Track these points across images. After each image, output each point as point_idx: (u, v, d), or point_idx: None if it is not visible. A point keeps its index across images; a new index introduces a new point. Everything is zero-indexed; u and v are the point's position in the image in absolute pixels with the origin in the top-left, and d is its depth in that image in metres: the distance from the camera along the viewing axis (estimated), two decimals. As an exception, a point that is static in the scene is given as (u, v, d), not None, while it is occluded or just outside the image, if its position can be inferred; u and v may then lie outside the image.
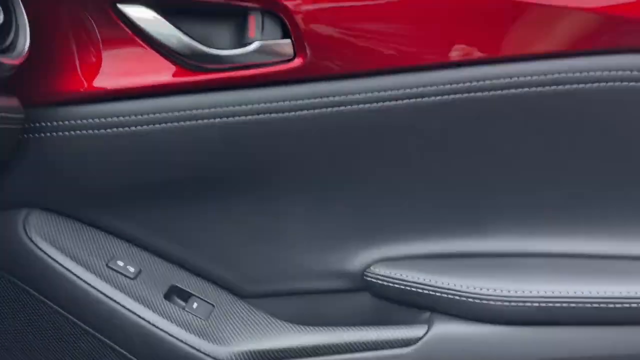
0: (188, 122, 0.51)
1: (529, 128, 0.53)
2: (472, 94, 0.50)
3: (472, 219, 0.57)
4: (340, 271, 0.58)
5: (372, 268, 0.57)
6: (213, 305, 0.57)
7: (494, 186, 0.55)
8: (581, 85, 0.50)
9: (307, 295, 0.60)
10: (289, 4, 0.49)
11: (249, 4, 0.50)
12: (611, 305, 0.51)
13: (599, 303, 0.51)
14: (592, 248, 0.56)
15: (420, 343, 0.53)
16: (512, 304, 0.52)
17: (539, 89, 0.50)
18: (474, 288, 0.53)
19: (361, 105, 0.51)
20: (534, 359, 0.52)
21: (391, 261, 0.57)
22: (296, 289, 0.59)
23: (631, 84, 0.50)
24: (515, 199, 0.56)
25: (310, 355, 0.54)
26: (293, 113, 0.51)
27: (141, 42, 0.50)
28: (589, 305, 0.51)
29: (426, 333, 0.53)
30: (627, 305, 0.51)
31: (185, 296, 0.57)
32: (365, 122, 0.52)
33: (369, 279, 0.58)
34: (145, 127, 0.51)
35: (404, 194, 0.56)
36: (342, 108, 0.52)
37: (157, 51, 0.50)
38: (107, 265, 0.55)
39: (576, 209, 0.55)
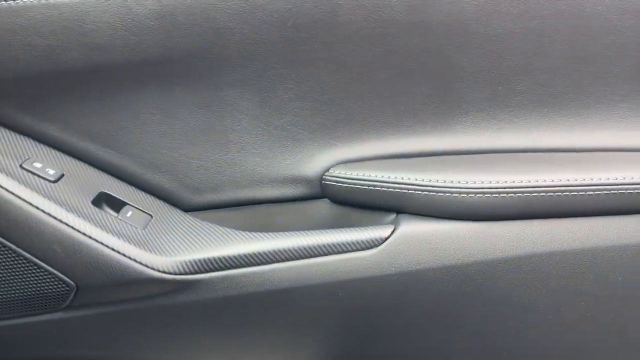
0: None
1: None
2: None
3: (436, 117, 0.52)
4: (295, 177, 0.52)
5: (330, 170, 0.52)
6: (151, 215, 0.50)
7: (456, 81, 0.51)
8: None
9: (257, 205, 0.53)
10: None
11: None
12: (590, 193, 0.47)
13: (577, 191, 0.47)
14: (570, 142, 0.53)
15: (385, 244, 0.48)
16: (487, 195, 0.47)
17: None
18: (445, 181, 0.48)
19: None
20: (510, 255, 0.48)
21: (352, 162, 0.52)
22: (245, 199, 0.53)
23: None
24: (481, 93, 0.52)
25: (264, 263, 0.47)
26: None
27: None
28: (567, 193, 0.47)
29: (392, 233, 0.48)
30: (605, 193, 0.47)
31: (118, 205, 0.49)
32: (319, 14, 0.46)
33: (327, 182, 0.52)
34: None
35: (362, 92, 0.51)
36: None
37: None
38: (20, 166, 0.46)
39: (546, 101, 0.52)
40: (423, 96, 0.51)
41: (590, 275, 0.49)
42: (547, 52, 0.50)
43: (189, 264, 0.46)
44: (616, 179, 0.47)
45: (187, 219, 0.51)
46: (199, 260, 0.47)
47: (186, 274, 0.46)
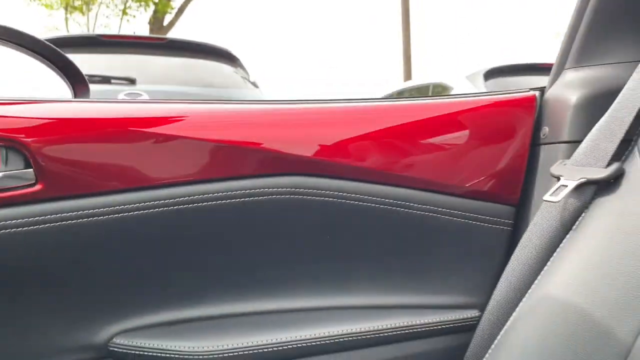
0: None
1: (229, 226, 0.72)
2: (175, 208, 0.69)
3: (195, 290, 0.74)
4: (86, 344, 0.72)
5: (114, 339, 0.72)
6: None
7: (211, 265, 0.74)
8: (257, 198, 0.71)
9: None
10: (27, 143, 0.64)
11: None
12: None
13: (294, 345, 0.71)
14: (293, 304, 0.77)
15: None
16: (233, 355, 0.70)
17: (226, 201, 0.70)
18: (195, 348, 0.70)
19: (96, 218, 0.67)
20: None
21: (131, 331, 0.73)
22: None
23: (292, 197, 0.72)
24: (230, 273, 0.75)
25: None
26: (35, 227, 0.65)
27: None
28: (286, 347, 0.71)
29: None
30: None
31: None
32: (100, 234, 0.68)
33: (112, 349, 0.72)
34: None
35: (134, 277, 0.72)
36: (80, 221, 0.67)
37: None
38: None
39: (280, 275, 0.76)
40: (181, 282, 0.73)
41: None
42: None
43: None
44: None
45: None
46: None
47: None
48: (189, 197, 0.70)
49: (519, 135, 0.79)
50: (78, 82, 0.98)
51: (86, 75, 0.96)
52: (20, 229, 0.65)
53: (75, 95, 0.97)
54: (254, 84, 3.94)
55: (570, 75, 0.79)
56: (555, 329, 0.59)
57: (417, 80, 6.21)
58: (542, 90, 0.82)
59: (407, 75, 10.69)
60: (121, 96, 3.14)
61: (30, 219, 0.65)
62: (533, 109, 0.79)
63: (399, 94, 5.91)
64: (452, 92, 4.57)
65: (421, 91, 5.29)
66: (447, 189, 0.77)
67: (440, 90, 5.04)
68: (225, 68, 3.88)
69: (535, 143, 0.79)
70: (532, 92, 0.81)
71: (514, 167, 0.79)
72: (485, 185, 0.78)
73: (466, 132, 0.79)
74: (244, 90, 3.75)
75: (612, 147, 0.64)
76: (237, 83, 3.82)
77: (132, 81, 3.30)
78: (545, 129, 0.78)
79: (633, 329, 0.53)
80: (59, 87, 0.95)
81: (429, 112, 0.80)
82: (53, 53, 0.93)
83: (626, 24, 0.76)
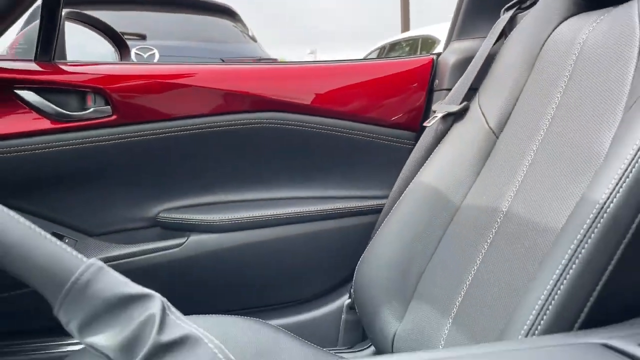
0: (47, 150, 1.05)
1: (229, 144, 1.15)
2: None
3: (208, 185, 1.17)
4: (143, 217, 1.16)
5: (160, 214, 1.16)
6: (76, 240, 1.12)
7: (218, 169, 1.17)
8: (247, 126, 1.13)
9: (128, 231, 1.17)
10: (107, 89, 1.06)
11: (87, 90, 1.06)
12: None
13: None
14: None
15: (181, 247, 1.13)
16: (232, 223, 1.14)
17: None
18: (208, 218, 1.14)
19: (147, 137, 1.09)
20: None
21: (170, 210, 1.16)
22: (122, 228, 1.16)
23: (270, 125, 1.14)
24: (230, 174, 1.18)
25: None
26: (112, 142, 1.08)
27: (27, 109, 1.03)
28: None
29: (187, 239, 1.14)
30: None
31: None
32: (150, 147, 1.10)
33: (158, 219, 1.16)
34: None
35: (171, 175, 1.15)
36: (138, 138, 1.09)
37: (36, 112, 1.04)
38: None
39: (264, 176, 1.19)
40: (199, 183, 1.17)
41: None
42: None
43: None
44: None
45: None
46: None
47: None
48: (203, 124, 1.12)
49: (421, 84, 1.20)
50: (122, 47, 1.39)
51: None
52: (104, 143, 1.07)
53: (121, 57, 1.39)
54: (253, 38, 4.27)
55: (454, 45, 1.19)
56: (422, 200, 1.02)
57: (412, 33, 6.49)
58: (438, 54, 1.22)
59: (405, 27, 10.89)
60: (134, 50, 3.50)
61: (109, 137, 1.08)
62: (430, 67, 1.20)
63: (392, 45, 6.22)
64: (438, 44, 4.90)
65: (410, 43, 5.60)
66: (371, 121, 1.19)
67: (429, 42, 5.36)
68: (226, 23, 4.19)
69: (430, 90, 1.20)
70: (431, 56, 1.22)
71: (417, 105, 1.20)
72: (397, 118, 1.20)
73: (387, 82, 1.19)
74: (243, 44, 4.09)
75: (464, 91, 1.05)
76: (237, 37, 4.15)
77: (143, 37, 3.65)
78: (437, 81, 1.19)
79: (461, 196, 0.95)
80: (110, 51, 1.36)
81: (365, 69, 1.21)
82: (106, 27, 1.34)
83: (489, 7, 1.15)
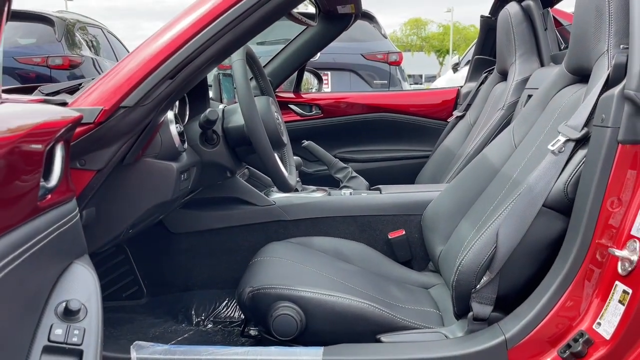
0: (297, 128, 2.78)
1: None
2: None
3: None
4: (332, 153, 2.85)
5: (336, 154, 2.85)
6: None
7: None
8: None
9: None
10: (319, 104, 2.77)
11: (311, 103, 2.78)
12: None
13: None
14: None
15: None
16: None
17: None
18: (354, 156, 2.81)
19: (335, 123, 2.77)
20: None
21: (340, 152, 2.85)
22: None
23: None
24: None
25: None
26: (321, 125, 2.79)
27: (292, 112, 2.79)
28: None
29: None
30: None
31: None
32: None
33: (336, 155, 2.84)
34: None
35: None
36: (332, 124, 2.78)
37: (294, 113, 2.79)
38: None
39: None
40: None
41: None
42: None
43: None
44: None
45: None
46: None
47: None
48: (354, 118, 2.77)
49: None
50: (320, 81, 3.12)
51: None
52: (318, 126, 2.79)
53: (319, 85, 3.12)
54: (384, 35, 5.78)
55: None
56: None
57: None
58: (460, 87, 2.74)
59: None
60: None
61: (321, 123, 2.79)
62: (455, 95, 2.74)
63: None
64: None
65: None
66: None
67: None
68: (366, 25, 5.70)
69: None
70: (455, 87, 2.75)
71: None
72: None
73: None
74: (378, 42, 5.59)
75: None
76: (374, 36, 5.64)
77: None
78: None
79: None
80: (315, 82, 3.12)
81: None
82: (312, 71, 3.07)
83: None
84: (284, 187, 1.50)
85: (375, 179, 2.68)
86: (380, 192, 1.90)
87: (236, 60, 1.41)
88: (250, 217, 1.81)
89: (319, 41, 2.49)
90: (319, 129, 2.75)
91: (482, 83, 2.53)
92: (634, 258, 1.03)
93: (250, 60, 1.63)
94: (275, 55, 2.60)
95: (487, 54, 2.63)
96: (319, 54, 5.48)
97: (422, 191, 1.89)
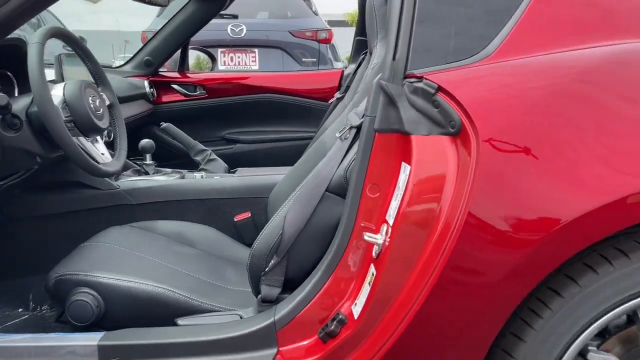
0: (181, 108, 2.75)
1: None
2: None
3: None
4: (217, 135, 2.83)
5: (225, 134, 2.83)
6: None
7: None
8: None
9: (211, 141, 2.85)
10: (205, 84, 2.74)
11: (196, 84, 2.74)
12: None
13: None
14: None
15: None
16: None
17: None
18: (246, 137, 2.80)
19: (220, 104, 2.76)
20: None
21: (229, 132, 2.84)
22: (207, 140, 2.84)
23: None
24: None
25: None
26: (205, 106, 2.76)
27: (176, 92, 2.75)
28: None
29: (234, 146, 2.80)
30: None
31: None
32: None
33: (224, 137, 2.83)
34: None
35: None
36: (218, 104, 2.76)
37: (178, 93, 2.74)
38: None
39: None
40: None
41: None
42: None
43: None
44: None
45: None
46: None
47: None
48: (240, 99, 2.76)
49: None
50: (213, 61, 3.07)
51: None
52: (203, 106, 2.77)
53: (212, 65, 3.08)
54: (315, 12, 5.74)
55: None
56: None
57: None
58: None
59: None
60: (229, 27, 5.16)
61: (205, 104, 2.77)
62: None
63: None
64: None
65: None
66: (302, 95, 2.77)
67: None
68: (298, 1, 5.66)
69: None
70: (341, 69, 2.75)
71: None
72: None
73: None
74: (309, 19, 5.56)
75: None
76: (305, 13, 5.61)
77: (235, 16, 5.26)
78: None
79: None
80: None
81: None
82: (203, 50, 3.02)
83: None
84: (92, 171, 1.49)
85: (261, 161, 2.70)
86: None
87: (33, 43, 1.38)
88: (93, 201, 1.80)
89: (197, 20, 2.46)
90: (205, 109, 2.72)
91: (359, 65, 2.54)
92: (381, 241, 1.06)
93: (73, 44, 1.60)
94: (154, 36, 2.56)
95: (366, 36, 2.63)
96: (245, 30, 5.46)
97: (273, 174, 1.91)
